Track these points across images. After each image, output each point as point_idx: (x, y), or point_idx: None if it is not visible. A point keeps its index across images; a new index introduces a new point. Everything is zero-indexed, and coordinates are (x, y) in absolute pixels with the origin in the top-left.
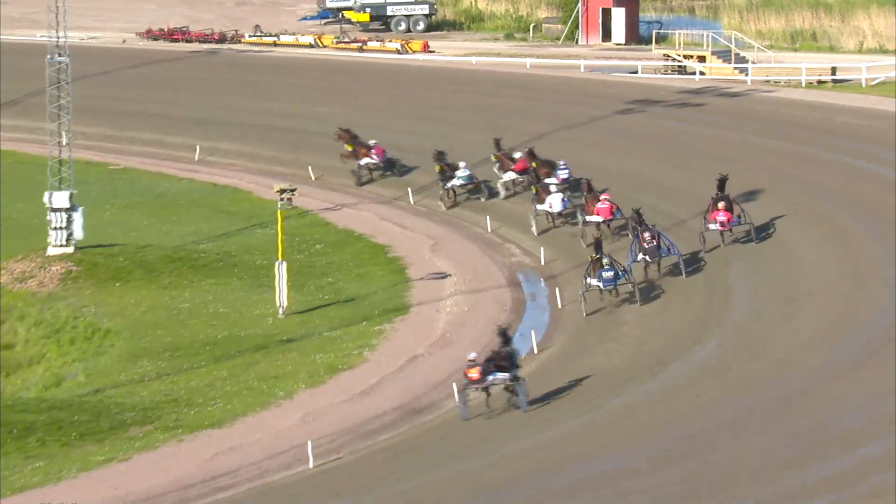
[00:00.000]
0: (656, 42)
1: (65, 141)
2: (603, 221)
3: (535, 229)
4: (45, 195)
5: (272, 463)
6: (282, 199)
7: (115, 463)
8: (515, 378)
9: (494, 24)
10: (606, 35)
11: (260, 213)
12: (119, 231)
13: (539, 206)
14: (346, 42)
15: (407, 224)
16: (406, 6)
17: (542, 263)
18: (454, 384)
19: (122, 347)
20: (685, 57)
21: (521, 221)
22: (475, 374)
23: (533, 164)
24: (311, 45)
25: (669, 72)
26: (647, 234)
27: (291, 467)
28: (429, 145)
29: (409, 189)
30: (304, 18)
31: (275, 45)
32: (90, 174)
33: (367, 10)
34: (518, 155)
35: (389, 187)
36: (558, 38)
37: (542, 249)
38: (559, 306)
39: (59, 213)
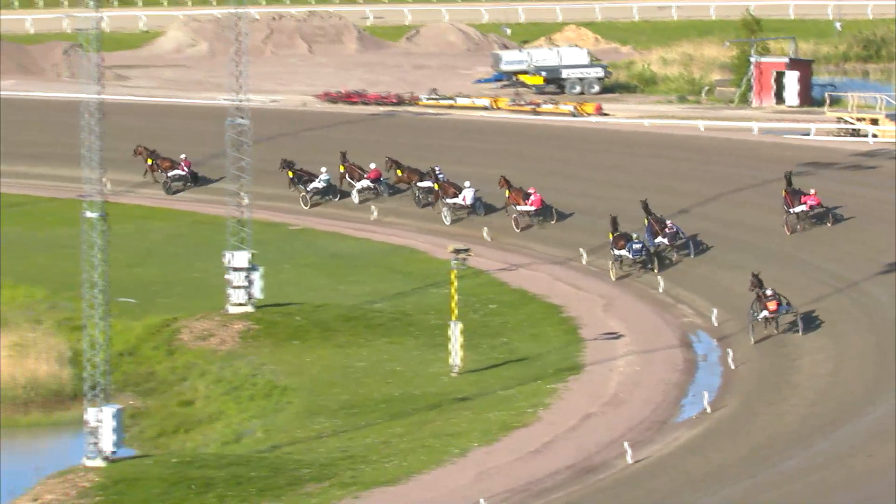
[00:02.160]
0: (829, 105)
1: (245, 202)
2: (535, 211)
3: (447, 220)
4: (225, 255)
5: None
6: (456, 259)
7: None
8: None
9: (667, 86)
10: (779, 97)
11: (435, 273)
12: (296, 290)
13: (449, 200)
14: (520, 104)
15: (580, 284)
16: (580, 69)
17: (715, 324)
18: (627, 444)
19: (299, 405)
20: (858, 120)
21: (695, 283)
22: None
23: (398, 172)
24: (485, 108)
25: (842, 134)
26: (664, 224)
27: None
28: (601, 207)
29: (583, 250)
30: (480, 81)
31: (450, 107)
32: (269, 234)
33: (542, 73)
34: (373, 165)
35: (563, 247)
36: (731, 101)
37: (714, 311)
38: (731, 367)
39: (238, 273)
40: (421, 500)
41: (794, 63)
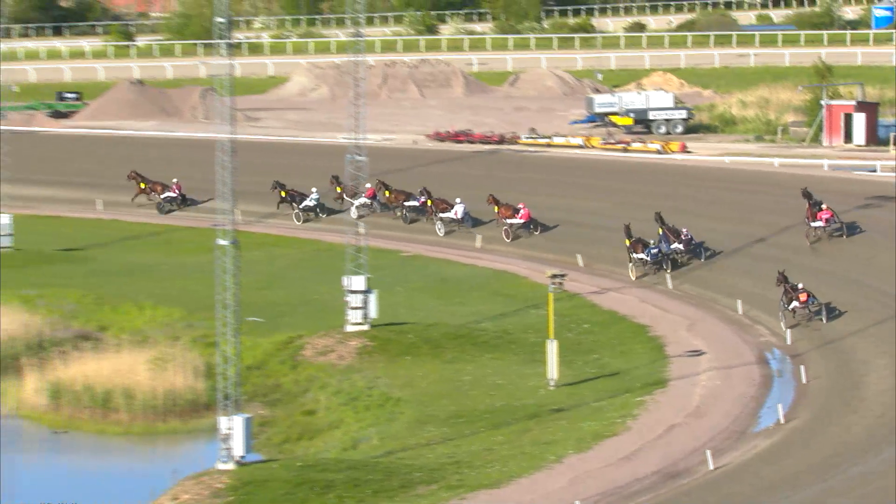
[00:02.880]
0: (894, 143)
1: (362, 230)
2: (524, 223)
3: (441, 232)
4: (344, 279)
5: None
6: (553, 283)
7: None
8: None
9: (745, 126)
10: (848, 137)
11: (533, 295)
12: (408, 311)
13: (442, 215)
14: (611, 143)
15: (665, 306)
16: (666, 111)
17: (788, 343)
18: (708, 452)
19: (410, 415)
20: None
21: (771, 305)
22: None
23: (387, 193)
24: (580, 146)
25: None
26: (679, 232)
27: None
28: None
29: (668, 275)
30: (575, 122)
31: (548, 145)
32: (383, 260)
33: (631, 114)
34: (368, 185)
35: (649, 274)
36: (803, 140)
37: (787, 331)
38: (803, 382)
39: (356, 295)
40: (520, 502)
41: (862, 106)
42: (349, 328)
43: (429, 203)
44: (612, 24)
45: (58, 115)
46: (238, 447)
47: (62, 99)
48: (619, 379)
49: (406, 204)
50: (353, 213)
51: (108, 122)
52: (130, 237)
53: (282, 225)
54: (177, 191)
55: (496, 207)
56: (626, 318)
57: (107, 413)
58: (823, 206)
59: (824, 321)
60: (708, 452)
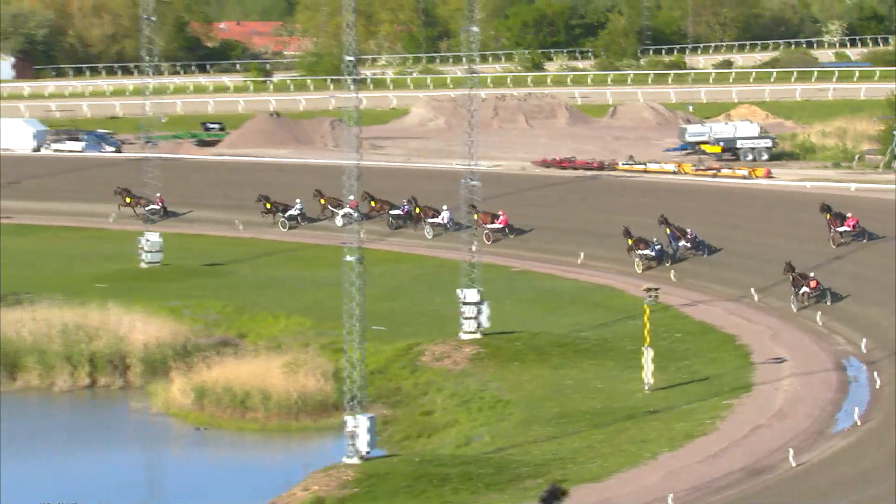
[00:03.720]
0: None
1: (475, 248)
2: (502, 227)
3: (430, 235)
4: (459, 291)
5: None
6: (649, 296)
7: None
8: None
9: (825, 154)
10: None
11: (630, 307)
12: (517, 321)
13: (430, 220)
14: (702, 169)
15: (751, 318)
16: (752, 140)
17: (863, 351)
18: (790, 450)
19: (518, 415)
20: None
21: (846, 317)
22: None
23: (372, 203)
24: (673, 172)
25: None
26: (685, 231)
27: None
28: (769, 255)
29: (753, 289)
30: (668, 150)
31: (644, 171)
32: (494, 275)
33: (720, 143)
34: (351, 197)
35: (733, 287)
36: (878, 167)
37: (863, 340)
38: (878, 387)
39: (469, 306)
40: (618, 495)
41: None
42: (463, 336)
43: (417, 210)
44: (702, 62)
45: (202, 143)
46: (363, 443)
47: (206, 129)
48: (709, 384)
49: (391, 212)
50: (339, 221)
51: (246, 150)
52: (266, 254)
53: (403, 243)
54: (160, 204)
55: (476, 215)
56: (715, 328)
57: (245, 412)
58: (848, 215)
59: (829, 304)
60: (790, 451)
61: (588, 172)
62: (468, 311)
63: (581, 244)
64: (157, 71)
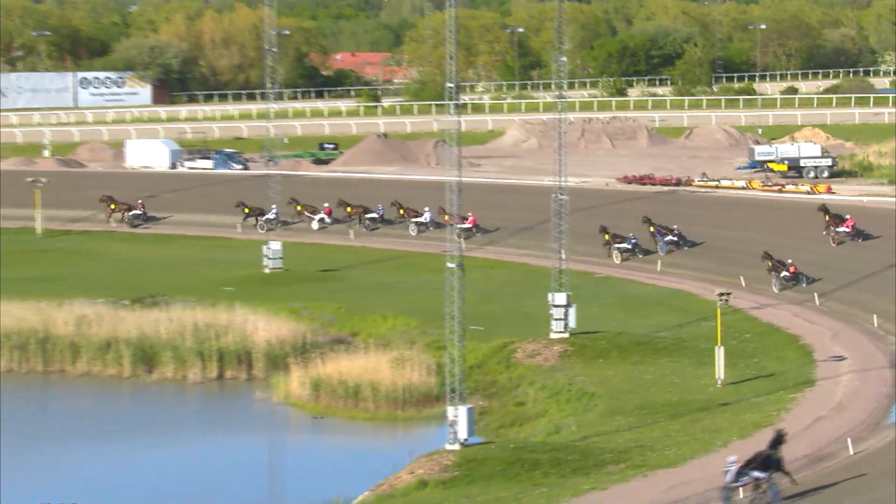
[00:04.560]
0: None
1: (563, 256)
2: (472, 227)
3: (414, 233)
4: (549, 295)
5: (712, 494)
6: (721, 300)
7: (598, 491)
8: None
9: (881, 172)
10: None
11: (704, 310)
12: (601, 322)
13: (414, 220)
14: (769, 185)
15: (813, 320)
16: (814, 159)
17: None
18: (849, 440)
19: (602, 407)
20: None
21: None
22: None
23: (348, 209)
24: (743, 188)
25: None
26: (671, 229)
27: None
28: (824, 262)
29: (815, 294)
30: (739, 168)
31: (716, 187)
32: (581, 280)
33: (785, 162)
34: (326, 205)
35: (800, 293)
36: None
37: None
38: None
39: (558, 308)
40: (694, 479)
41: None
42: (553, 336)
43: (402, 211)
44: (770, 89)
45: (319, 161)
46: (462, 431)
47: (322, 149)
48: (775, 379)
49: (367, 216)
50: (315, 225)
51: (359, 168)
52: (376, 260)
53: (496, 251)
54: (142, 209)
55: (446, 216)
56: (781, 329)
57: (357, 402)
58: (847, 217)
59: (804, 285)
60: (848, 440)
61: (666, 188)
62: (557, 312)
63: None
64: (279, 97)
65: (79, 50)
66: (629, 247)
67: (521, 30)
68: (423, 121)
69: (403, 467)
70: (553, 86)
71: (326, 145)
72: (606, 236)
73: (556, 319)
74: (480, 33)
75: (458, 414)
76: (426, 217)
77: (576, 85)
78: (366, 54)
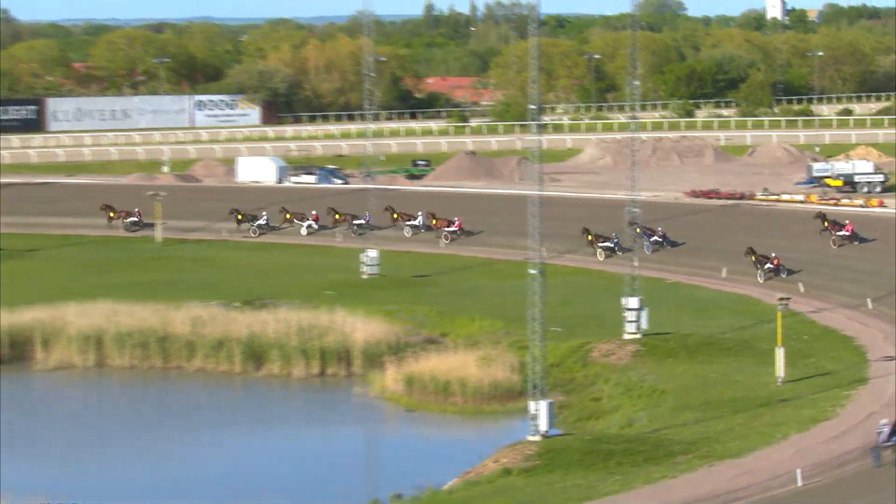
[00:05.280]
0: None
1: (635, 263)
2: (457, 230)
3: (409, 233)
4: (623, 299)
5: (773, 483)
6: (781, 304)
7: (668, 480)
8: None
9: None
10: None
11: (765, 313)
12: (670, 324)
13: (408, 223)
14: (825, 199)
15: (866, 322)
16: (867, 175)
17: None
18: None
19: (671, 402)
20: None
21: None
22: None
23: (336, 216)
24: (801, 202)
25: None
26: (655, 230)
27: (786, 486)
28: (874, 270)
29: (868, 299)
30: (798, 183)
31: (777, 201)
32: (652, 286)
33: (841, 178)
34: (314, 212)
35: (848, 296)
36: None
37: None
38: None
39: (631, 311)
40: (756, 469)
41: None
42: (626, 336)
43: (395, 216)
44: (826, 110)
45: (412, 177)
46: (543, 424)
47: (415, 165)
48: (831, 377)
49: (354, 222)
50: (303, 231)
51: (448, 182)
52: (463, 267)
53: (576, 259)
54: (138, 216)
55: (434, 220)
56: (836, 331)
57: (446, 397)
58: (846, 223)
59: (784, 276)
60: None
61: (730, 202)
62: (630, 315)
63: (724, 260)
64: (376, 117)
65: (195, 75)
66: (611, 245)
67: (597, 56)
68: (507, 140)
69: (489, 456)
70: (627, 107)
71: (419, 162)
72: (589, 237)
73: (629, 321)
74: (560, 59)
75: (539, 408)
76: (419, 220)
77: (647, 107)
78: (455, 79)
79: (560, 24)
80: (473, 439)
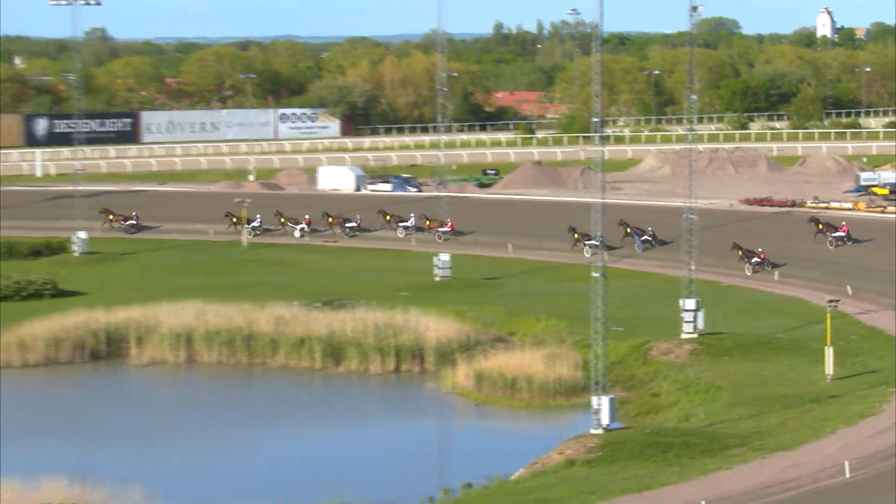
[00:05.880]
0: None
1: (693, 267)
2: (450, 230)
3: (402, 234)
4: (681, 301)
5: (822, 474)
6: (830, 306)
7: (723, 471)
8: None
9: None
10: None
11: (815, 314)
12: (725, 324)
13: (401, 224)
14: (872, 207)
15: None
16: None
17: None
18: None
19: (726, 398)
20: None
21: None
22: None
23: (329, 219)
24: (850, 209)
25: None
26: (645, 230)
27: (835, 477)
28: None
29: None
30: (846, 192)
31: (826, 208)
32: (707, 288)
33: (887, 186)
34: (307, 216)
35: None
36: None
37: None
38: None
39: (688, 313)
40: (806, 461)
41: None
42: (684, 336)
43: (388, 217)
44: (873, 123)
45: (482, 185)
46: (605, 418)
47: (485, 174)
48: (877, 375)
49: (346, 225)
50: (297, 234)
51: (516, 190)
52: (530, 270)
53: (636, 263)
54: (136, 220)
55: (427, 222)
56: (883, 331)
57: (514, 392)
58: (842, 224)
59: (770, 269)
60: None
61: (782, 209)
62: (688, 316)
63: (777, 265)
64: (449, 129)
65: (279, 90)
66: (597, 243)
67: (656, 72)
68: (571, 150)
69: (554, 448)
70: (684, 120)
71: (489, 171)
72: (576, 235)
73: (687, 322)
74: (622, 75)
75: (602, 403)
76: (411, 222)
77: (704, 120)
78: (523, 93)
79: (622, 42)
80: (539, 432)
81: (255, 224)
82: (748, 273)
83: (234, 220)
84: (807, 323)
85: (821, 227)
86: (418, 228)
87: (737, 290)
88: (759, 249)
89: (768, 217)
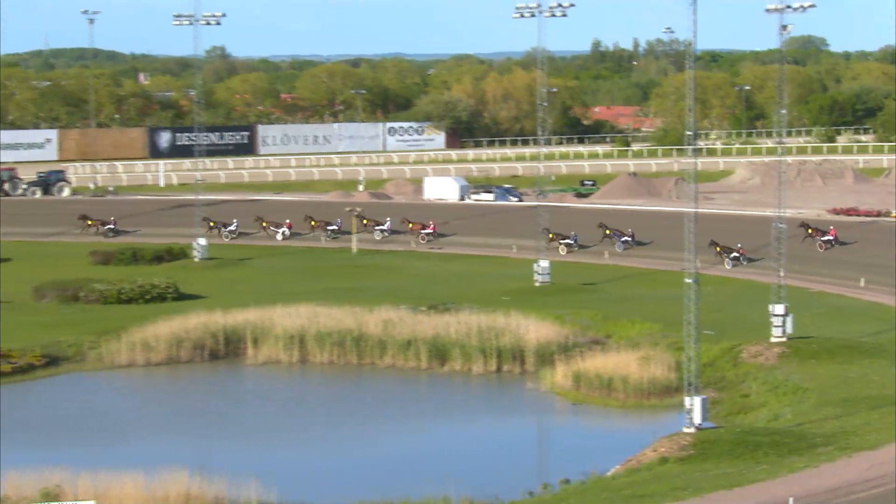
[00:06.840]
0: None
1: (781, 273)
2: (432, 232)
3: (378, 237)
4: (770, 306)
5: None
6: None
7: (810, 469)
8: None
9: None
10: None
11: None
12: (813, 328)
13: (378, 228)
14: None
15: None
16: None
17: None
18: None
19: (814, 399)
20: None
21: None
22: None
23: (312, 222)
24: None
25: None
26: (625, 232)
27: None
28: None
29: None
30: None
31: None
32: (797, 294)
33: None
34: (287, 221)
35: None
36: None
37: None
38: None
39: (777, 317)
40: (890, 460)
41: None
42: (773, 340)
43: (365, 222)
44: None
45: (580, 195)
46: (697, 417)
47: (583, 185)
48: None
49: (328, 227)
50: (279, 237)
51: (612, 200)
52: (626, 276)
53: (725, 269)
54: (114, 224)
55: (410, 224)
56: None
57: (610, 392)
58: (831, 229)
59: (745, 264)
60: None
61: (868, 219)
62: (777, 320)
63: (862, 271)
64: (548, 142)
65: (388, 105)
66: (571, 242)
67: (747, 88)
68: (665, 162)
69: (648, 446)
70: (774, 133)
71: (586, 182)
72: (550, 235)
73: (776, 326)
74: (714, 90)
75: (694, 403)
76: (387, 226)
77: (793, 133)
78: (619, 108)
79: (714, 59)
80: (634, 430)
81: (232, 228)
82: (728, 268)
83: (212, 224)
84: (891, 327)
85: (810, 231)
86: (392, 231)
87: (824, 296)
88: (739, 245)
89: (855, 226)
